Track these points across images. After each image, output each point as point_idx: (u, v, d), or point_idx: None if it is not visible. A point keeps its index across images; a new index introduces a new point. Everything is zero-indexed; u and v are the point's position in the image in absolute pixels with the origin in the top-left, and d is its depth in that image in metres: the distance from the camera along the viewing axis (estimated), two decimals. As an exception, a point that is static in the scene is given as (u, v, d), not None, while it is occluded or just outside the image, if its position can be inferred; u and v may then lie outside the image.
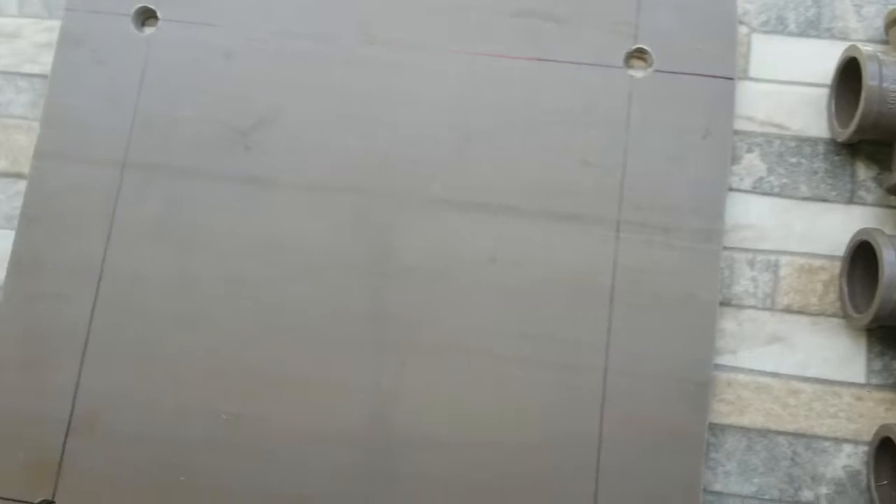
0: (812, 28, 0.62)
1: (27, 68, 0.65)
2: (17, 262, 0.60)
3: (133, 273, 0.59)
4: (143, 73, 0.62)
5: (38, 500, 0.56)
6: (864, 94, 0.56)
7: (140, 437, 0.57)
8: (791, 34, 0.62)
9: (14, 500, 0.57)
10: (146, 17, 0.63)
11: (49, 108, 0.62)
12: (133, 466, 0.57)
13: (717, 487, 0.56)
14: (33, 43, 0.65)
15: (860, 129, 0.57)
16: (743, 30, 0.62)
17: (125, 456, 0.57)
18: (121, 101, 0.62)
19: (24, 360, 0.58)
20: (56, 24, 0.65)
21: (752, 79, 0.62)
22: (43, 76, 0.64)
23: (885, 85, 0.56)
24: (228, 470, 0.56)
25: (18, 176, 0.63)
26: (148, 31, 0.63)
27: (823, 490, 0.55)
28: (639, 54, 0.61)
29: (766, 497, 0.56)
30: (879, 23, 0.62)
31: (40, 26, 0.65)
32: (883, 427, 0.55)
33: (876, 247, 0.54)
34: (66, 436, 0.57)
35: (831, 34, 0.62)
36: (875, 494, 0.54)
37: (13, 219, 0.62)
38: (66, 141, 0.61)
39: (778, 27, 0.62)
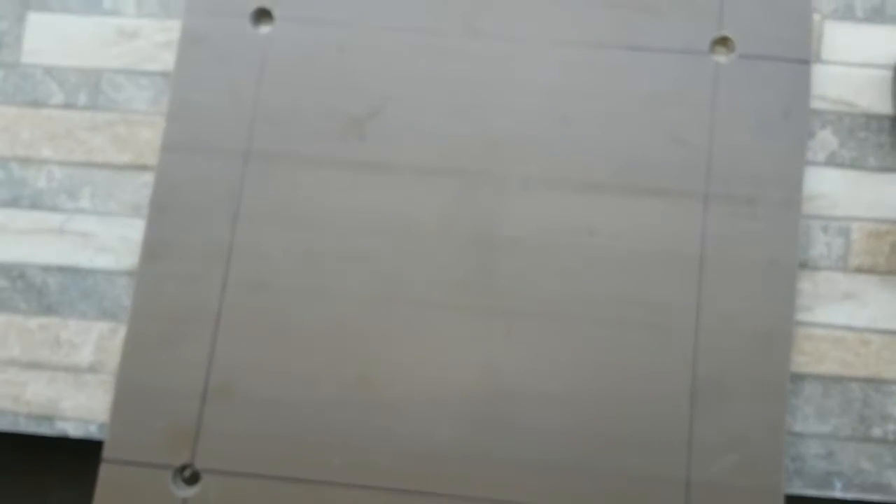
0: (878, 15, 0.68)
1: (147, 66, 0.69)
2: (150, 247, 0.65)
3: (259, 253, 0.65)
4: (261, 68, 0.66)
5: (179, 463, 0.62)
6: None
7: (272, 402, 0.63)
8: (859, 20, 0.68)
9: (156, 465, 0.62)
10: (262, 16, 0.68)
11: (174, 103, 0.66)
12: (266, 430, 0.62)
13: (798, 429, 0.63)
14: (153, 42, 0.69)
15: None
16: (816, 17, 0.68)
17: (258, 420, 0.62)
18: (242, 95, 0.66)
19: (160, 336, 0.64)
20: (174, 23, 0.69)
21: (823, 62, 0.67)
22: (163, 73, 0.69)
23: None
24: (356, 428, 0.62)
25: (143, 168, 0.68)
26: (264, 29, 0.68)
27: (891, 427, 0.63)
28: (723, 41, 0.66)
29: (841, 435, 0.63)
30: (940, 6, 0.67)
31: (159, 26, 0.69)
32: None
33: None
34: (203, 404, 0.63)
35: (894, 20, 0.67)
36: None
37: (141, 208, 0.67)
38: (190, 133, 0.66)
39: (847, 14, 0.68)
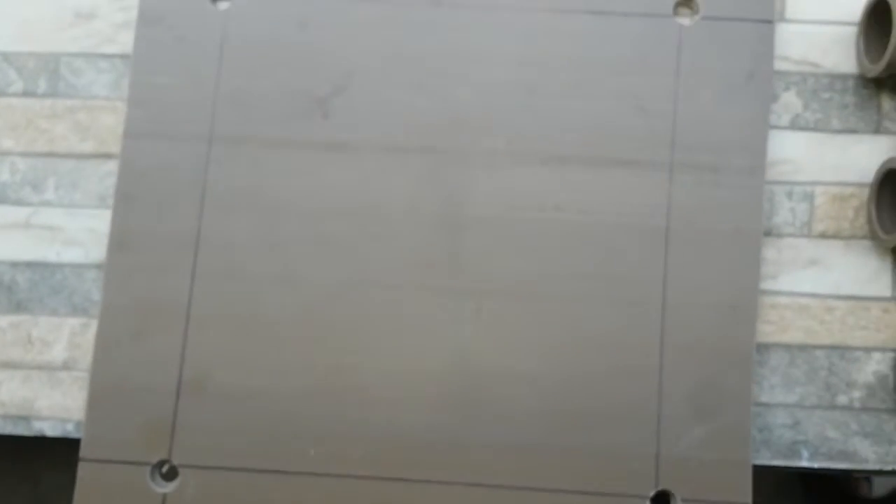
0: (843, -31, 0.66)
1: (107, 48, 0.68)
2: (117, 238, 0.65)
3: (227, 241, 0.64)
4: (221, 47, 0.65)
5: (156, 460, 0.62)
6: (894, 32, 0.61)
7: (246, 394, 0.63)
8: (824, -23, 0.66)
9: (134, 462, 0.63)
10: (220, -8, 0.66)
11: (135, 89, 0.65)
12: (241, 421, 0.63)
13: (764, 399, 0.64)
14: (111, 23, 0.68)
15: (889, 65, 0.62)
16: (780, -26, 0.66)
17: (233, 412, 0.63)
18: (202, 76, 0.65)
19: (132, 330, 0.64)
20: (131, 2, 0.67)
21: (788, 20, 0.66)
22: (123, 56, 0.68)
23: (913, 24, 0.61)
24: (330, 418, 0.63)
25: (107, 156, 0.67)
26: (223, 5, 0.66)
27: (856, 394, 0.64)
28: (686, 3, 0.65)
29: (807, 404, 0.64)
30: (907, -39, 0.66)
31: (116, 5, 0.68)
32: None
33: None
34: (178, 398, 0.63)
35: (861, -25, 0.66)
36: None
37: (107, 198, 0.67)
38: (153, 119, 0.65)
39: (812, -30, 0.66)
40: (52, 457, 0.90)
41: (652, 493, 0.61)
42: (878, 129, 0.66)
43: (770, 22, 0.65)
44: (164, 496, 0.62)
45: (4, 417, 0.66)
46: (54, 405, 0.65)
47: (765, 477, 0.65)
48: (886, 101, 0.66)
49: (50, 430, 0.65)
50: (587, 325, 0.63)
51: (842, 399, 0.64)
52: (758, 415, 0.64)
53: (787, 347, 0.65)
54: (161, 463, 0.63)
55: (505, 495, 0.61)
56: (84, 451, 0.62)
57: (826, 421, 0.64)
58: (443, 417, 0.63)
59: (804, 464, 0.64)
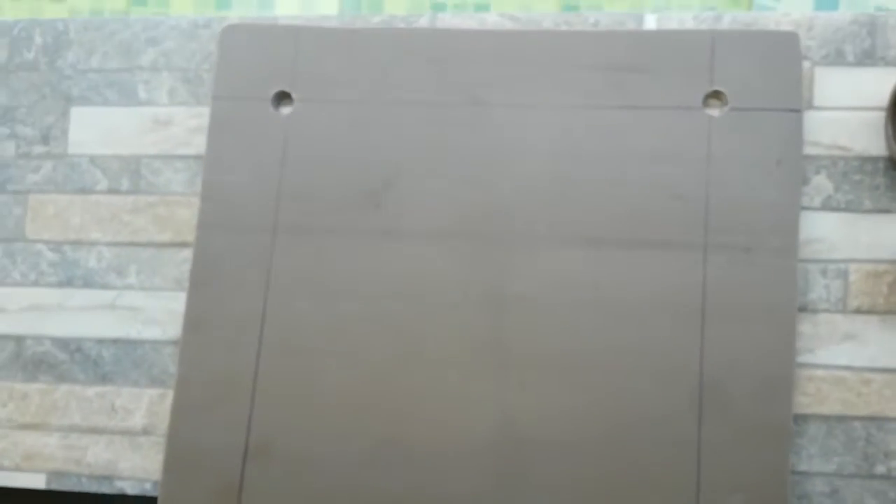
0: (868, 57, 0.69)
1: (182, 150, 0.75)
2: (191, 318, 0.71)
3: (290, 320, 0.70)
4: (284, 147, 0.72)
5: None
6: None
7: (307, 459, 0.68)
8: (849, 64, 0.69)
9: None
10: (282, 98, 0.73)
11: (206, 185, 0.72)
12: (303, 485, 0.68)
13: (802, 468, 0.66)
14: (185, 128, 0.75)
15: (916, 148, 0.65)
16: (806, 64, 0.70)
17: (295, 476, 0.68)
18: (267, 173, 0.72)
19: (203, 400, 0.70)
20: (203, 110, 0.75)
21: (816, 108, 0.70)
22: (196, 157, 0.75)
23: (937, 110, 0.64)
24: (385, 483, 0.67)
25: (183, 245, 0.74)
26: (285, 110, 0.73)
27: (894, 463, 0.65)
28: (715, 95, 0.69)
29: (845, 473, 0.66)
30: (931, 47, 0.69)
31: (190, 113, 0.75)
32: None
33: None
34: (245, 462, 0.69)
35: (885, 62, 0.69)
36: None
37: (183, 282, 0.73)
38: (223, 212, 0.72)
39: (838, 59, 0.70)
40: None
41: (692, 564, 0.63)
42: (909, 207, 0.68)
43: (798, 111, 0.68)
44: None
45: (90, 477, 0.72)
46: (135, 467, 0.72)
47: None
48: (917, 180, 0.68)
49: (130, 489, 0.71)
50: (626, 397, 0.67)
51: (880, 468, 0.65)
52: (796, 483, 0.66)
53: (825, 418, 0.66)
54: (229, 525, 0.68)
55: (549, 566, 0.64)
56: (160, 513, 0.68)
57: (864, 489, 0.65)
58: (489, 485, 0.66)
59: (844, 534, 0.65)
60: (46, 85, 0.77)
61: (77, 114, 0.77)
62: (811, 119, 0.70)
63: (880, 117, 0.69)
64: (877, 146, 0.69)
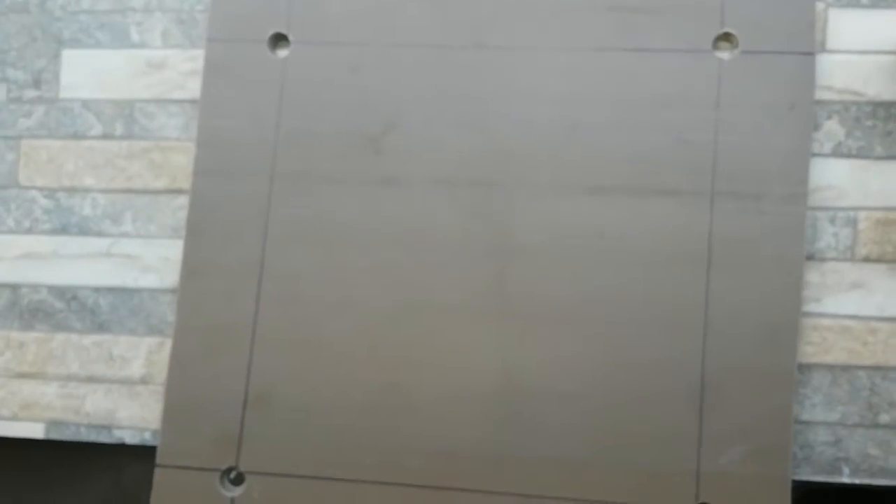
0: (883, 0, 0.67)
1: (176, 94, 0.73)
2: (189, 266, 0.70)
3: (288, 268, 0.69)
4: (281, 91, 0.70)
5: (225, 466, 0.68)
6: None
7: (307, 407, 0.68)
8: (864, 7, 0.67)
9: (205, 468, 0.68)
10: (279, 41, 0.71)
11: (202, 131, 0.71)
12: (303, 432, 0.68)
13: (806, 417, 0.66)
14: (179, 72, 0.73)
15: (931, 92, 0.63)
16: (820, 6, 0.68)
17: (295, 424, 0.68)
18: (264, 118, 0.70)
19: (203, 349, 0.70)
20: (198, 52, 0.73)
21: (829, 51, 0.68)
22: (191, 101, 0.73)
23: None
24: (385, 430, 0.67)
25: (178, 192, 0.73)
26: (281, 53, 0.71)
27: (900, 414, 0.65)
28: (725, 37, 0.67)
29: (849, 422, 0.65)
30: (949, -13, 0.66)
31: (184, 56, 0.73)
32: None
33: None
34: (244, 411, 0.69)
35: (903, 3, 0.67)
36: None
37: (179, 229, 0.72)
38: (219, 158, 0.70)
39: (852, 1, 0.67)
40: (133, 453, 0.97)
41: (693, 510, 0.64)
42: (921, 155, 0.67)
43: (811, 54, 0.66)
44: (232, 499, 0.67)
45: (89, 426, 0.72)
46: (133, 416, 0.71)
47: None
48: (930, 127, 0.67)
49: (129, 438, 0.71)
50: (630, 347, 0.66)
51: (884, 418, 0.65)
52: (799, 432, 0.65)
53: (830, 368, 0.66)
54: (229, 469, 0.68)
55: (550, 510, 0.65)
56: (160, 458, 0.68)
57: (868, 439, 0.65)
58: (489, 432, 0.66)
59: (845, 480, 0.65)
60: (37, 27, 0.75)
61: (68, 56, 0.74)
62: (823, 62, 0.67)
63: (894, 61, 0.67)
64: (890, 91, 0.67)
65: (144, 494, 0.69)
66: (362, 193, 0.69)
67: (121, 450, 0.73)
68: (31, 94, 0.75)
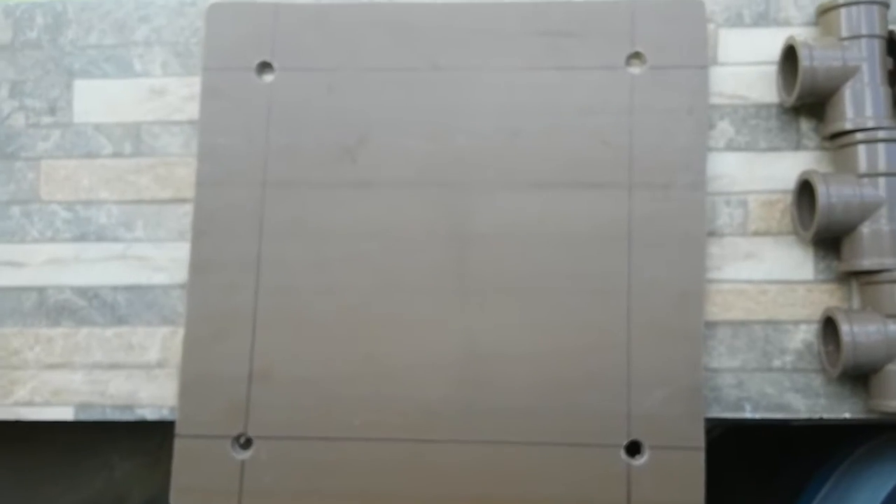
0: (763, 19, 0.83)
1: (177, 116, 0.85)
2: (196, 264, 0.82)
3: (282, 262, 0.81)
4: (268, 111, 0.83)
5: (235, 433, 0.79)
6: (799, 72, 0.77)
7: (303, 380, 0.80)
8: (747, 25, 0.83)
9: (218, 436, 0.80)
10: (265, 68, 0.84)
11: (202, 147, 0.83)
12: (300, 402, 0.79)
13: (714, 365, 0.80)
14: (179, 97, 0.85)
15: (800, 96, 0.78)
16: (710, 26, 0.83)
17: (294, 395, 0.80)
18: (255, 135, 0.83)
19: (210, 335, 0.81)
20: (194, 79, 0.85)
21: (720, 64, 0.83)
22: (189, 122, 0.85)
23: (814, 63, 0.77)
24: (369, 395, 0.79)
25: (183, 200, 0.84)
26: (267, 78, 0.84)
27: (788, 358, 0.80)
28: (636, 56, 0.82)
29: (748, 368, 0.80)
30: (813, 10, 0.82)
31: (182, 83, 0.85)
32: (826, 309, 0.78)
33: (813, 183, 0.76)
34: (250, 385, 0.80)
35: (777, 23, 0.82)
36: (823, 357, 0.79)
37: (185, 233, 0.84)
38: (218, 171, 0.83)
39: (737, 21, 0.83)
40: (125, 444, 1.08)
41: (625, 443, 0.78)
42: (797, 147, 0.82)
43: (704, 67, 0.81)
44: (242, 462, 0.79)
45: (113, 407, 0.83)
46: (152, 395, 0.83)
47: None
48: (804, 124, 0.82)
49: (150, 415, 0.83)
50: (569, 312, 0.80)
51: (776, 363, 0.80)
52: (709, 378, 0.80)
53: (731, 323, 0.81)
54: (239, 436, 0.80)
55: (508, 450, 0.78)
56: (179, 429, 0.80)
57: (764, 381, 0.80)
58: (456, 391, 0.79)
59: (747, 416, 0.80)
60: (50, 61, 0.86)
61: (80, 86, 0.86)
62: (716, 73, 0.83)
63: (773, 70, 0.82)
64: (770, 95, 0.82)
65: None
66: (342, 196, 0.82)
67: (142, 426, 0.85)
68: (47, 120, 0.86)
